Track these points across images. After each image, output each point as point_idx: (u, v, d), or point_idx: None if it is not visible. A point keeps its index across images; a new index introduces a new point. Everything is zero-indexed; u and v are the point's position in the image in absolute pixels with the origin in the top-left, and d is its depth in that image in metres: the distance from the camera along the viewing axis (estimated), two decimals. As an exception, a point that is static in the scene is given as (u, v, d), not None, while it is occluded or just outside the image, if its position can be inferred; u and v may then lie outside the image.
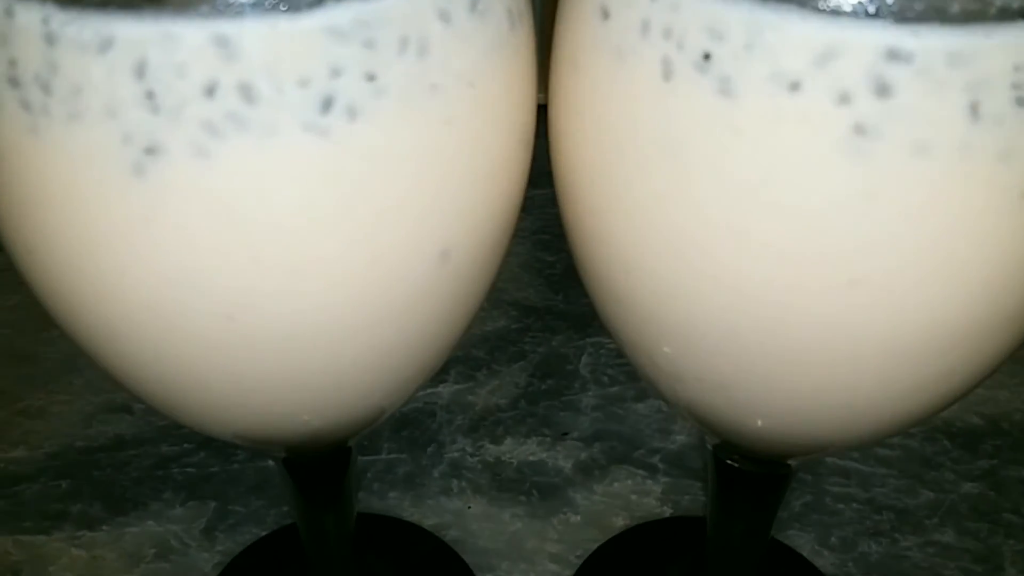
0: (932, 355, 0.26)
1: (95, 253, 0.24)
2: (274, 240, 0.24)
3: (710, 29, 0.23)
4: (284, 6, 0.22)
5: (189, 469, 0.55)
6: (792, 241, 0.24)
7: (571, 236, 0.30)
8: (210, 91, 0.22)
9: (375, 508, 0.53)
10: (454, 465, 0.56)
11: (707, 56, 0.23)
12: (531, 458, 0.56)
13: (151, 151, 0.22)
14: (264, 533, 0.52)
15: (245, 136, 0.22)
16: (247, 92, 0.22)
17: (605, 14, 0.25)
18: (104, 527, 0.52)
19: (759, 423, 0.30)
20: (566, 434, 0.58)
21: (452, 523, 0.53)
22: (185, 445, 0.56)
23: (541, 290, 0.69)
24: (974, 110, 0.22)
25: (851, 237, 0.24)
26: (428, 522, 0.53)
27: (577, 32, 0.27)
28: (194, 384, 0.28)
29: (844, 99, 0.22)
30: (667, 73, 0.24)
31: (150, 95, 0.22)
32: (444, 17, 0.24)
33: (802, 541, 0.52)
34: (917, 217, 0.23)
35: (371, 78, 0.23)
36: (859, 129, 0.22)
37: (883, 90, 0.22)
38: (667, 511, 0.53)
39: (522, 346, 0.64)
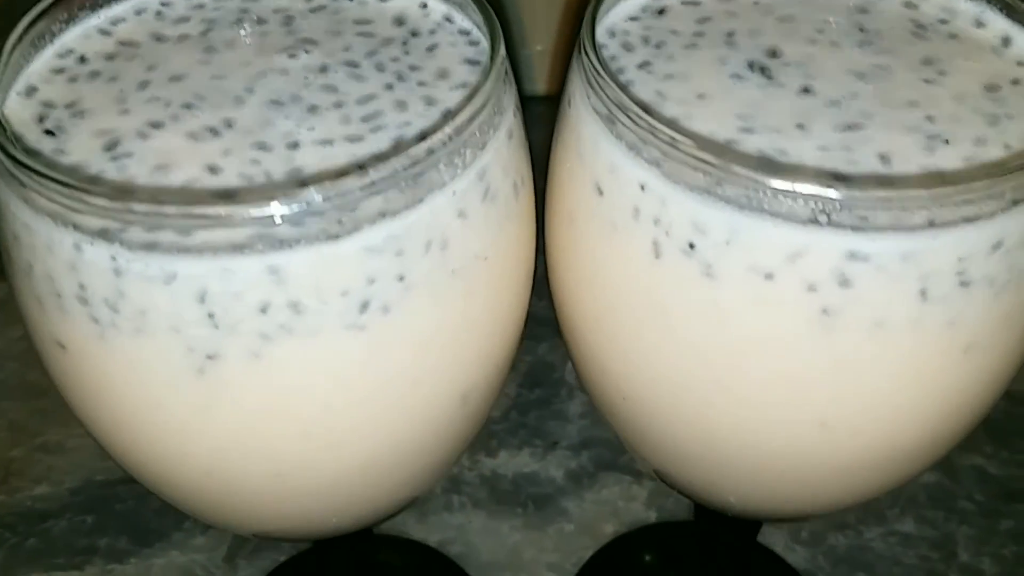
0: (883, 468, 0.30)
1: (158, 431, 0.28)
2: (318, 416, 0.27)
3: (694, 224, 0.26)
4: (325, 236, 0.25)
5: (206, 497, 0.59)
6: (768, 394, 0.28)
7: (574, 361, 0.34)
8: (263, 309, 0.25)
9: (383, 527, 0.58)
10: (454, 480, 0.60)
11: (692, 245, 0.26)
12: (525, 469, 0.61)
13: (211, 357, 0.26)
14: (282, 558, 0.56)
15: (293, 339, 0.26)
16: (296, 307, 0.25)
17: (599, 191, 0.29)
18: (132, 560, 0.56)
19: (742, 506, 0.34)
20: (556, 443, 0.62)
21: (456, 538, 0.57)
22: (200, 474, 0.60)
23: (523, 294, 0.73)
24: (923, 294, 0.26)
25: (821, 392, 0.27)
26: (433, 538, 0.57)
27: (574, 196, 0.30)
28: (237, 514, 0.32)
29: (812, 288, 0.26)
30: (657, 252, 0.27)
31: (211, 315, 0.25)
32: (462, 215, 0.27)
33: (775, 538, 0.57)
34: (876, 374, 0.27)
35: (401, 278, 0.26)
36: (825, 311, 0.26)
37: (845, 282, 0.25)
38: (652, 515, 0.58)
39: (509, 355, 0.68)
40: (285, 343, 0.26)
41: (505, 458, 0.61)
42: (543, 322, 0.70)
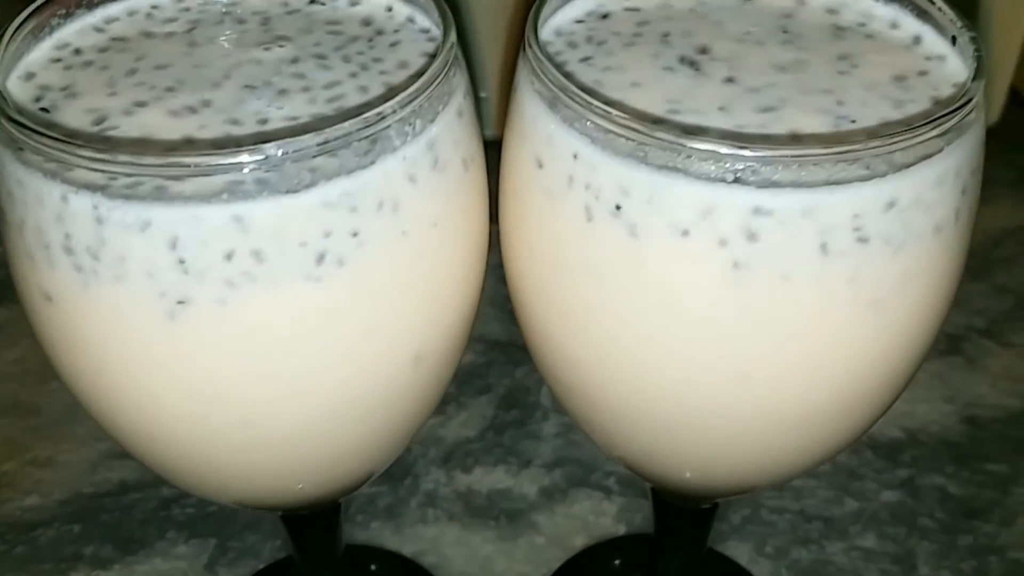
0: (808, 426, 0.32)
1: (134, 377, 0.30)
2: (279, 363, 0.30)
3: (620, 187, 0.29)
4: (286, 189, 0.28)
5: (189, 509, 0.61)
6: (692, 347, 0.30)
7: (524, 332, 0.36)
8: (229, 256, 0.28)
9: (359, 538, 0.59)
10: (429, 495, 0.62)
11: (618, 207, 0.29)
12: (499, 485, 0.63)
13: (181, 302, 0.28)
14: (261, 566, 0.58)
15: (256, 287, 0.28)
16: (258, 255, 0.28)
17: (539, 164, 0.32)
18: (116, 566, 0.58)
19: (687, 475, 0.36)
20: (530, 461, 0.64)
21: (429, 549, 0.59)
22: (184, 487, 0.62)
23: (504, 324, 0.75)
24: (824, 248, 0.28)
25: (738, 343, 0.30)
26: (407, 549, 0.59)
27: (519, 172, 0.33)
28: (208, 470, 0.34)
29: (723, 242, 0.28)
30: (589, 216, 0.30)
31: (181, 261, 0.28)
32: (412, 179, 0.30)
33: (740, 551, 0.59)
34: (788, 327, 0.30)
35: (355, 234, 0.29)
36: (736, 264, 0.29)
37: (752, 236, 0.28)
38: (621, 529, 0.60)
39: (488, 379, 0.70)
40: (248, 290, 0.28)
41: (480, 474, 0.63)
42: (521, 348, 0.72)
